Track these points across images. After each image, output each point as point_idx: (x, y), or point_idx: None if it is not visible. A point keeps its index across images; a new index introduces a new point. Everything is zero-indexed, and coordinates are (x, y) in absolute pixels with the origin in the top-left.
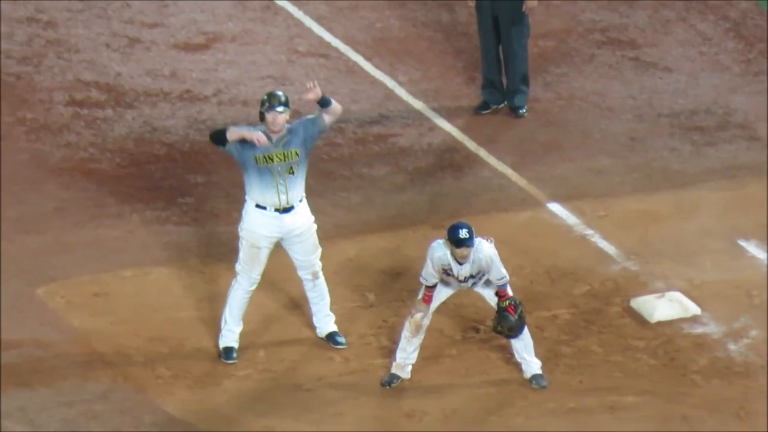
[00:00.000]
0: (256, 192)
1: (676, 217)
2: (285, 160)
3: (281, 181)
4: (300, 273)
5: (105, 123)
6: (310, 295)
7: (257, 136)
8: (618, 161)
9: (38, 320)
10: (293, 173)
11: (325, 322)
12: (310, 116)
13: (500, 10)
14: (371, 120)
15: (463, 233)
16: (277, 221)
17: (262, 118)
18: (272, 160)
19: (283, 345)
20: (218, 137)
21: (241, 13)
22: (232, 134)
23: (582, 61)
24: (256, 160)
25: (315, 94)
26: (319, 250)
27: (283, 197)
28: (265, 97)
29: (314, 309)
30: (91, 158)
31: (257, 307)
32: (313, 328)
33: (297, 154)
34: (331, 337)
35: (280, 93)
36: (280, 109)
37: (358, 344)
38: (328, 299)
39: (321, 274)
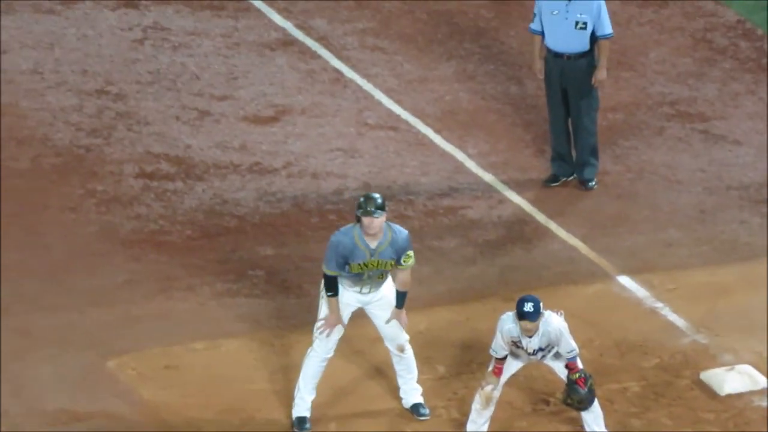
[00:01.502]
0: (343, 280)
1: (745, 289)
2: (378, 268)
3: (369, 283)
4: (387, 344)
5: (175, 195)
6: (397, 367)
7: (326, 326)
8: (687, 234)
9: (109, 392)
10: (382, 278)
11: (412, 395)
12: (409, 250)
13: (569, 83)
14: (441, 192)
15: (528, 307)
16: (358, 297)
17: (358, 219)
18: (367, 267)
19: (354, 417)
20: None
21: (310, 86)
22: (324, 298)
23: (651, 133)
24: (351, 268)
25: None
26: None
27: (366, 289)
28: (362, 200)
29: (401, 381)
30: (161, 230)
31: (329, 377)
32: (386, 399)
33: (391, 265)
34: (415, 408)
35: (377, 196)
36: (377, 215)
37: (430, 417)
38: (416, 372)
39: (408, 346)
